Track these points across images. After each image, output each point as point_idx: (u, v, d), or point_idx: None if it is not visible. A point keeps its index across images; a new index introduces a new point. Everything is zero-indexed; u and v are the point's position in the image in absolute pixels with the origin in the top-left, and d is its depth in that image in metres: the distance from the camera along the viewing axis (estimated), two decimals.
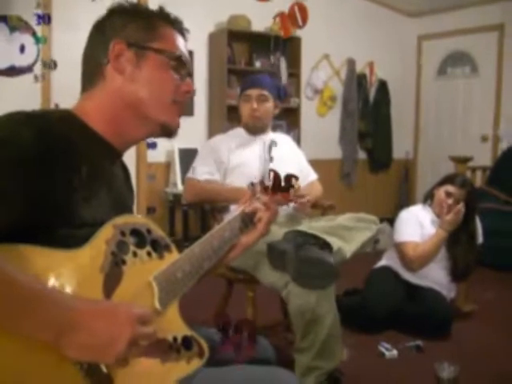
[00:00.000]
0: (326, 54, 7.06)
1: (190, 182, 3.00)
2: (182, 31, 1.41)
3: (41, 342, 0.95)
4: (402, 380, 2.98)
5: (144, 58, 1.30)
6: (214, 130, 6.09)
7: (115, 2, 1.34)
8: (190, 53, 6.03)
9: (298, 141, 6.52)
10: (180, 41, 1.38)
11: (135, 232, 1.18)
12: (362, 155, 7.67)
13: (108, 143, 1.29)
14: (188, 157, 5.14)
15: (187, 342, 1.25)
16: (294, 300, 2.53)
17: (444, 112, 7.82)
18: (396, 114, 7.82)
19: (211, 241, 1.42)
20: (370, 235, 2.66)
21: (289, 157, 3.20)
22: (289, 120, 6.54)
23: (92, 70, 1.32)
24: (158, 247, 1.23)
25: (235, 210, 1.60)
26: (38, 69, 5.25)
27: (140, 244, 1.18)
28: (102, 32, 1.31)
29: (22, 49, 5.17)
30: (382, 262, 3.90)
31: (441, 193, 3.71)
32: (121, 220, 1.15)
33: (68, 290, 1.01)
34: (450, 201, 3.64)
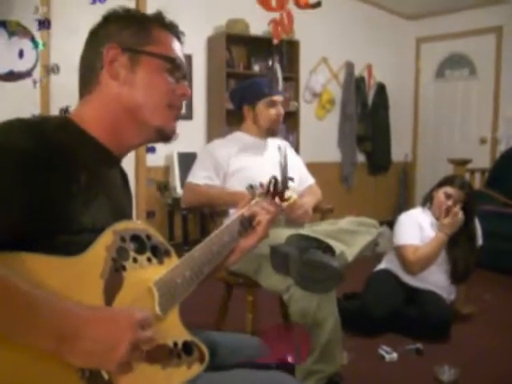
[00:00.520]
0: (324, 58, 7.07)
1: (189, 187, 3.01)
2: (178, 35, 1.41)
3: (42, 351, 0.95)
4: (402, 383, 2.98)
5: (138, 62, 1.30)
6: (212, 133, 6.09)
7: (110, 9, 1.35)
8: (189, 57, 6.06)
9: (296, 144, 6.54)
10: (175, 44, 1.38)
11: (135, 238, 1.18)
12: (360, 158, 7.67)
13: (106, 149, 1.30)
14: (187, 161, 5.14)
15: (188, 347, 1.25)
16: (295, 304, 2.53)
17: (442, 114, 7.83)
18: (395, 117, 7.83)
19: (210, 245, 1.42)
20: (370, 239, 2.67)
21: (289, 162, 3.20)
22: (287, 123, 6.54)
23: (88, 76, 1.32)
24: (157, 253, 1.24)
25: (234, 214, 1.61)
26: (36, 73, 5.26)
27: (140, 250, 1.19)
28: (96, 38, 1.32)
29: (21, 54, 5.19)
30: (382, 266, 3.90)
31: (440, 195, 3.72)
32: (121, 226, 1.16)
33: (69, 296, 1.01)
34: (450, 202, 3.65)
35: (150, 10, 4.79)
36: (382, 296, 3.62)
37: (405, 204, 7.92)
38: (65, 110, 4.87)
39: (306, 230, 2.67)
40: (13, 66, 5.24)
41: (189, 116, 5.94)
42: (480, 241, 3.85)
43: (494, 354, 3.31)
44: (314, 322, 2.53)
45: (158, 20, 1.36)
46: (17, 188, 1.02)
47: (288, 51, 6.44)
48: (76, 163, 1.16)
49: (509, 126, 7.01)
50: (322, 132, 7.21)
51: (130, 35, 1.30)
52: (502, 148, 6.91)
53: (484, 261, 4.24)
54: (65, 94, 5.39)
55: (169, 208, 5.84)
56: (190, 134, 5.68)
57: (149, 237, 1.22)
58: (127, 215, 1.36)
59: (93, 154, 1.25)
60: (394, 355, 3.25)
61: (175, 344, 1.23)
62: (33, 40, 5.27)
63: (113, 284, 1.10)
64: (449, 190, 3.68)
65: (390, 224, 5.17)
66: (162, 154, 5.70)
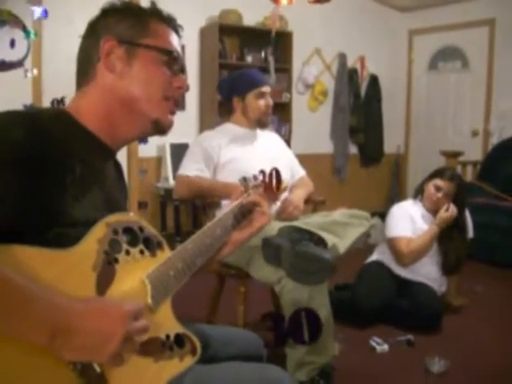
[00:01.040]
0: (317, 49, 7.06)
1: (181, 179, 3.00)
2: (176, 28, 1.40)
3: (34, 344, 0.95)
4: (393, 374, 2.99)
5: (135, 54, 1.30)
6: (205, 124, 6.08)
7: (108, 2, 1.34)
8: (182, 47, 6.01)
9: (289, 136, 6.54)
10: (173, 37, 1.37)
11: (128, 230, 1.17)
12: (353, 150, 7.68)
13: (101, 142, 1.29)
14: (179, 151, 5.13)
15: (180, 340, 1.25)
16: (287, 295, 2.54)
17: (435, 106, 7.84)
18: (387, 109, 7.84)
19: (203, 238, 1.42)
20: (362, 231, 2.68)
21: (280, 155, 3.21)
22: (280, 115, 6.54)
23: (85, 67, 1.32)
24: (150, 245, 1.23)
25: (227, 206, 1.61)
26: (28, 63, 5.24)
27: (132, 242, 1.18)
28: (94, 31, 1.32)
29: (13, 43, 5.15)
30: (374, 257, 3.91)
31: (430, 187, 3.73)
32: (113, 218, 1.15)
33: (61, 289, 1.01)
34: (439, 195, 3.66)
35: (142, 1, 4.77)
36: (373, 288, 3.64)
37: (397, 195, 7.94)
38: (59, 101, 4.86)
39: (298, 222, 2.67)
40: (4, 56, 5.21)
41: (181, 107, 5.92)
42: (471, 233, 3.86)
43: (485, 346, 3.33)
44: None
45: (156, 13, 1.36)
46: (9, 180, 1.01)
47: (281, 42, 6.43)
48: (70, 155, 1.16)
49: (501, 119, 7.02)
50: (315, 123, 7.21)
51: (127, 28, 1.30)
52: (494, 140, 6.93)
53: (475, 253, 4.26)
54: (57, 83, 5.39)
55: (161, 199, 5.84)
56: (182, 124, 5.65)
57: (141, 229, 1.21)
58: (121, 208, 1.35)
59: (87, 146, 1.25)
60: (385, 346, 3.27)
61: (167, 336, 1.23)
62: (24, 29, 5.24)
63: (105, 277, 1.09)
64: (439, 182, 3.70)
65: (382, 215, 5.19)
66: (154, 145, 5.69)
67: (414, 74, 8.08)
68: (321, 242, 2.46)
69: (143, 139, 4.31)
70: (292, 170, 3.26)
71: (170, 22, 1.38)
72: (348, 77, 7.37)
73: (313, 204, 3.32)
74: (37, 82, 5.32)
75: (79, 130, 1.25)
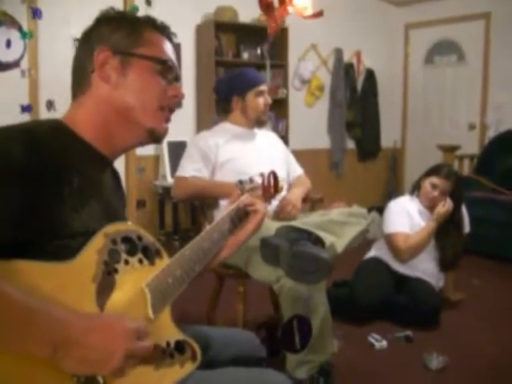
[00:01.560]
0: (313, 44, 7.06)
1: (179, 180, 3.01)
2: (170, 36, 1.41)
3: (38, 357, 0.96)
4: (392, 370, 3.01)
5: (129, 64, 1.30)
6: (202, 122, 6.09)
7: (102, 11, 1.35)
8: (177, 45, 6.03)
9: (286, 131, 6.55)
10: (167, 46, 1.38)
11: (126, 240, 1.19)
12: (350, 145, 7.69)
13: (98, 152, 1.30)
14: (177, 149, 5.15)
15: (180, 347, 1.27)
16: (285, 294, 2.56)
17: (431, 100, 7.85)
18: (384, 103, 7.85)
19: (201, 243, 1.43)
20: (360, 229, 2.69)
21: (277, 153, 3.23)
22: (277, 111, 6.55)
23: (80, 78, 1.32)
24: (149, 253, 1.24)
25: (225, 206, 1.63)
26: (25, 64, 5.24)
27: (131, 251, 1.19)
28: (88, 41, 1.32)
29: (9, 44, 5.15)
30: (372, 253, 3.93)
31: (426, 184, 3.75)
32: (112, 228, 1.16)
33: (61, 302, 1.02)
34: (435, 192, 3.68)
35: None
36: (371, 284, 3.66)
37: (394, 190, 7.97)
38: (51, 102, 4.84)
39: (296, 222, 2.68)
40: (0, 57, 5.21)
41: (178, 104, 5.92)
42: (467, 228, 3.88)
43: (483, 341, 3.35)
44: (304, 312, 2.55)
45: (150, 22, 1.37)
46: (10, 194, 1.03)
47: (277, 38, 6.42)
48: (67, 167, 1.17)
49: (497, 112, 7.03)
50: (312, 119, 7.22)
51: (122, 37, 1.31)
52: (490, 134, 6.94)
53: (473, 247, 4.27)
54: (53, 83, 5.39)
55: (159, 197, 5.85)
56: (179, 122, 5.65)
57: (140, 238, 1.23)
58: (120, 217, 1.36)
59: (84, 157, 1.26)
60: (384, 343, 3.29)
61: (168, 344, 1.24)
62: (20, 30, 5.24)
63: (105, 287, 1.11)
64: (435, 180, 3.71)
65: (380, 210, 5.20)
66: None
67: (410, 68, 8.08)
68: (319, 241, 2.48)
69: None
70: (289, 169, 3.27)
71: (164, 31, 1.39)
72: (344, 72, 7.38)
73: (311, 202, 3.33)
74: (33, 83, 5.32)
75: (76, 141, 1.26)
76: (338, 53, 7.31)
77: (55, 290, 1.02)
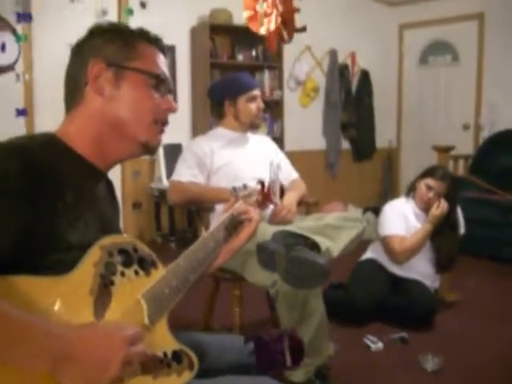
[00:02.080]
0: (307, 46, 7.07)
1: (174, 184, 3.02)
2: (163, 48, 1.42)
3: (36, 370, 0.97)
4: (388, 372, 3.03)
5: (123, 77, 1.31)
6: (198, 124, 6.10)
7: (96, 23, 1.36)
8: (172, 48, 6.04)
9: (281, 133, 6.57)
10: (160, 58, 1.39)
11: (122, 252, 1.20)
12: (345, 145, 7.70)
13: (91, 165, 1.31)
14: (172, 152, 5.15)
15: (177, 356, 1.28)
16: (282, 298, 2.57)
17: (426, 100, 7.87)
18: (378, 104, 7.87)
19: (196, 252, 1.45)
20: (356, 233, 2.71)
21: (270, 158, 3.23)
22: (272, 112, 6.56)
23: (73, 90, 1.33)
24: (144, 265, 1.25)
25: (220, 211, 1.64)
26: (19, 67, 5.24)
27: (127, 263, 1.20)
28: (81, 53, 1.33)
29: (3, 47, 5.14)
30: (368, 255, 3.95)
31: (421, 186, 3.77)
32: (107, 241, 1.17)
33: (59, 316, 1.03)
34: (431, 194, 3.70)
35: (132, 2, 4.73)
36: (367, 286, 3.67)
37: (390, 190, 7.99)
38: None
39: (291, 227, 2.70)
40: None
41: None
42: (462, 229, 3.90)
43: (478, 342, 3.37)
44: (300, 316, 2.58)
45: (143, 34, 1.37)
46: (6, 212, 1.04)
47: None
48: (61, 182, 1.18)
49: (491, 112, 7.06)
50: (307, 120, 7.24)
51: (115, 50, 1.31)
52: (485, 134, 6.96)
53: (467, 247, 4.29)
54: (47, 87, 5.38)
55: (155, 199, 5.86)
56: (175, 125, 5.61)
57: (135, 249, 1.24)
58: (114, 228, 1.37)
59: (78, 170, 1.27)
60: (380, 345, 3.31)
61: (165, 354, 1.25)
62: (14, 33, 5.24)
63: (102, 300, 1.12)
64: (430, 181, 3.73)
65: (375, 210, 5.22)
66: None
67: (404, 69, 8.11)
68: (315, 246, 2.49)
69: None
70: (284, 173, 3.28)
71: (157, 43, 1.40)
72: (339, 73, 7.39)
73: (306, 206, 3.34)
74: (28, 86, 5.32)
75: (70, 154, 1.27)
76: (333, 54, 7.33)
77: (53, 304, 1.04)
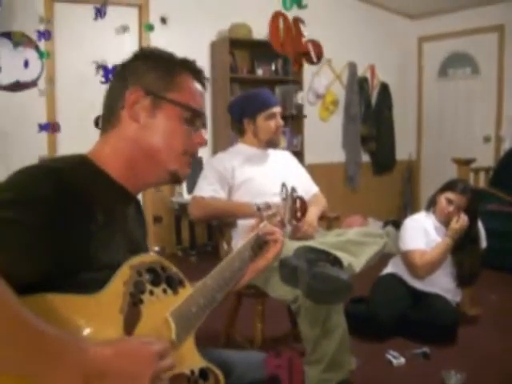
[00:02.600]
0: (327, 59, 7.08)
1: (196, 200, 3.05)
2: (203, 81, 1.43)
3: None
4: None
5: (159, 107, 1.33)
6: (218, 139, 6.15)
7: (142, 48, 1.39)
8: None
9: (301, 146, 6.59)
10: (198, 92, 1.40)
11: (150, 271, 1.22)
12: (365, 158, 7.71)
13: (122, 187, 1.34)
14: (193, 166, 5.17)
15: (204, 374, 1.30)
16: (304, 314, 2.59)
17: (446, 113, 7.84)
18: (398, 116, 7.86)
19: (222, 272, 1.47)
20: (377, 249, 2.72)
21: (292, 173, 3.26)
22: (292, 126, 6.59)
23: (110, 113, 1.36)
24: (172, 283, 1.27)
25: (242, 225, 1.65)
26: (42, 83, 5.33)
27: (156, 282, 1.23)
28: (123, 76, 1.36)
29: (26, 64, 5.24)
30: (388, 270, 3.94)
31: (442, 200, 3.76)
32: (137, 260, 1.20)
33: (91, 334, 1.05)
34: (451, 208, 3.69)
35: (152, 18, 4.82)
36: (388, 300, 3.66)
37: (410, 202, 7.97)
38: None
39: (313, 242, 2.71)
40: (18, 76, 5.31)
41: None
42: (484, 243, 3.88)
43: (501, 357, 3.34)
44: (323, 331, 2.58)
45: (185, 65, 1.39)
46: (40, 234, 1.06)
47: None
48: (93, 204, 1.21)
49: None
50: (327, 133, 7.25)
51: (155, 79, 1.33)
52: (506, 146, 6.91)
53: (489, 260, 4.25)
54: (69, 102, 5.46)
55: (176, 213, 5.90)
56: None
57: (163, 268, 1.26)
58: (143, 248, 1.40)
59: (109, 192, 1.29)
60: (402, 360, 3.29)
61: (192, 371, 1.27)
62: (37, 50, 5.33)
63: (131, 318, 1.14)
64: (450, 195, 3.72)
65: (396, 223, 5.20)
66: None
67: (424, 81, 8.09)
68: (337, 261, 2.51)
69: None
70: (305, 188, 3.29)
71: (198, 76, 1.41)
72: (358, 86, 7.42)
73: (327, 221, 3.35)
74: (50, 102, 5.40)
75: (102, 177, 1.30)
76: (352, 67, 7.35)
77: (85, 322, 1.06)
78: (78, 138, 5.14)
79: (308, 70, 6.71)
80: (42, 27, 5.04)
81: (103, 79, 3.44)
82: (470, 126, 7.55)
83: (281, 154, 3.38)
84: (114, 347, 1.05)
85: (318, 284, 2.40)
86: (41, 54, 5.24)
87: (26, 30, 5.21)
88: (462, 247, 3.72)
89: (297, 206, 1.87)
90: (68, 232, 1.11)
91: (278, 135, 3.20)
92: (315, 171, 3.56)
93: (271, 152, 3.26)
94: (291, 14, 4.16)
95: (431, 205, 3.90)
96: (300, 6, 2.96)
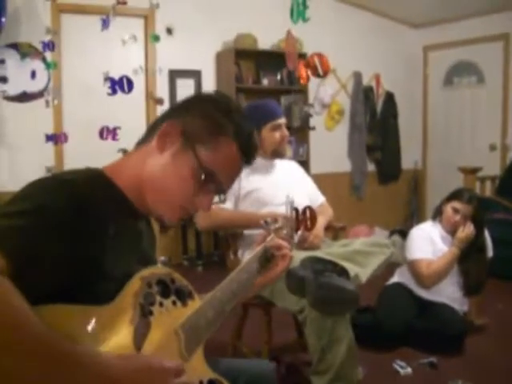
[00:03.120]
0: (332, 69, 7.10)
1: None
2: (249, 156, 1.41)
3: None
4: None
5: (184, 152, 1.31)
6: None
7: (211, 91, 1.40)
8: (198, 72, 6.13)
9: (307, 156, 6.60)
10: (234, 163, 1.39)
11: (160, 283, 1.23)
12: (371, 167, 7.71)
13: (132, 204, 1.34)
14: None
15: None
16: (310, 324, 2.59)
17: (452, 122, 7.84)
18: (404, 125, 7.86)
19: (231, 285, 1.48)
20: (383, 259, 2.72)
21: (298, 182, 3.26)
22: (297, 136, 6.61)
23: (147, 134, 1.38)
24: (181, 295, 1.29)
25: (248, 236, 1.66)
26: (48, 94, 5.35)
27: (165, 294, 1.24)
28: (180, 105, 1.39)
29: (33, 74, 5.27)
30: (395, 279, 3.94)
31: (448, 209, 3.76)
32: (147, 272, 1.21)
33: (102, 345, 1.06)
34: (457, 217, 3.69)
35: (158, 28, 4.84)
36: (395, 310, 3.66)
37: (416, 211, 7.95)
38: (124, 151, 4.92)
39: (320, 253, 2.71)
40: (25, 87, 5.35)
41: None
42: (490, 252, 3.88)
43: (509, 367, 3.33)
44: (329, 341, 2.58)
45: (237, 132, 1.36)
46: (54, 244, 1.07)
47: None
48: (106, 218, 1.22)
49: None
50: (332, 143, 7.26)
51: (198, 127, 1.33)
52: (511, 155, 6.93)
53: (495, 269, 4.24)
54: (75, 113, 5.48)
55: (182, 222, 5.90)
56: None
57: (173, 280, 1.27)
58: (153, 260, 1.42)
59: (120, 207, 1.30)
60: (409, 370, 3.29)
61: (201, 382, 1.28)
62: (44, 61, 5.36)
63: (141, 329, 1.15)
64: (456, 204, 3.73)
65: (402, 232, 5.19)
66: None
67: (429, 90, 8.09)
68: (343, 272, 2.51)
69: None
70: (311, 198, 3.29)
71: (246, 149, 1.39)
72: (364, 95, 7.43)
73: (333, 231, 3.36)
74: (57, 112, 5.43)
75: (112, 191, 1.31)
76: (357, 76, 7.37)
77: (96, 333, 1.07)
78: (85, 149, 5.19)
79: (313, 79, 6.72)
80: (48, 38, 5.07)
81: (110, 91, 3.46)
82: (476, 135, 7.54)
83: (287, 163, 3.39)
84: (129, 361, 1.06)
85: (324, 294, 2.40)
86: (48, 65, 5.27)
87: (33, 41, 5.25)
88: (468, 256, 3.72)
89: (307, 215, 1.88)
90: (80, 244, 1.12)
91: (283, 146, 3.21)
92: (321, 181, 3.56)
93: (278, 162, 3.26)
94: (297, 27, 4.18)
95: (437, 214, 3.91)
96: (304, 19, 2.98)
